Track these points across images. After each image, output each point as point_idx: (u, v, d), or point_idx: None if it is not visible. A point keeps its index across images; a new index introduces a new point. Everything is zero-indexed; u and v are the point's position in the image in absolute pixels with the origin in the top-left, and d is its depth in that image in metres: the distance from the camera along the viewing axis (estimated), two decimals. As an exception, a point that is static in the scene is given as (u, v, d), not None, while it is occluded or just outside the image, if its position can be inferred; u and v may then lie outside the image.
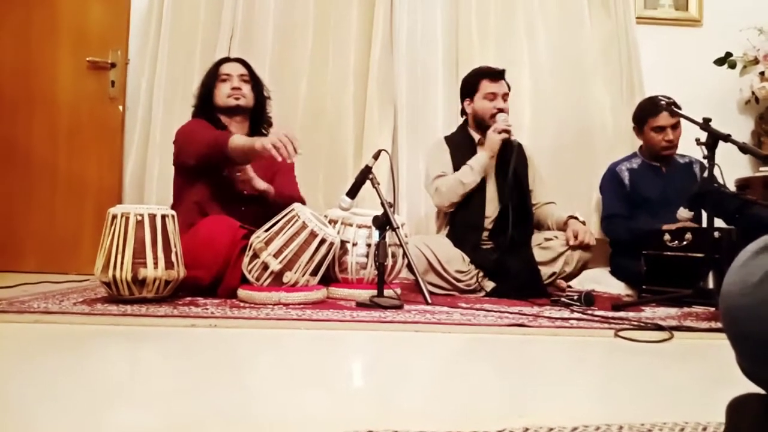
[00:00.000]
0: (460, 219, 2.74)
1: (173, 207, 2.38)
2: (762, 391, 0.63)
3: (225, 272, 2.17)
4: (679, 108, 2.56)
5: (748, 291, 0.59)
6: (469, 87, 2.85)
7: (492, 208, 2.73)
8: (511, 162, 2.66)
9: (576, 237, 2.59)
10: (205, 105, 2.56)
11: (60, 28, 3.31)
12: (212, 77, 2.58)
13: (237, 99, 2.53)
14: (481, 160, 2.67)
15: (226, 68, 2.59)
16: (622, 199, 3.01)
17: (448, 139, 2.87)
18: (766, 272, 0.58)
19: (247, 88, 2.56)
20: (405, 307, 2.05)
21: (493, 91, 2.76)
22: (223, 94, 2.53)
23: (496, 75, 2.79)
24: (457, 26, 3.52)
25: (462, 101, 2.89)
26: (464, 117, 2.91)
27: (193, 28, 3.41)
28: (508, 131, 2.65)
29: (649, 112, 2.93)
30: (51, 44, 3.31)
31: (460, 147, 2.78)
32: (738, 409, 0.68)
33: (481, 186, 2.71)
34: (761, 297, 0.58)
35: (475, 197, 2.71)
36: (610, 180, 3.08)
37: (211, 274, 2.15)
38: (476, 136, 2.82)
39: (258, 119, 2.63)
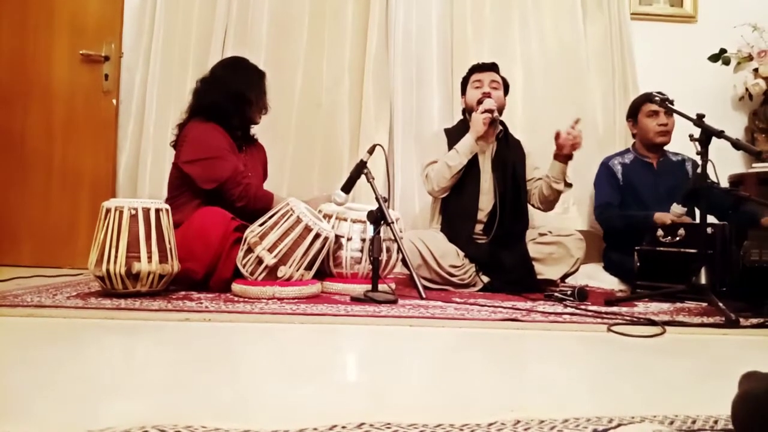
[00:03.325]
0: (453, 209, 2.76)
1: (168, 201, 2.38)
2: None
3: (217, 264, 2.17)
4: (673, 104, 2.57)
5: None
6: (463, 83, 2.95)
7: (486, 200, 2.73)
8: (496, 134, 2.74)
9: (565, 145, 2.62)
10: (242, 106, 2.50)
11: (55, 19, 3.29)
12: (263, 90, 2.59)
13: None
14: (466, 143, 2.68)
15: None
16: (615, 189, 3.04)
17: (447, 131, 2.90)
18: None
19: None
20: (399, 302, 2.06)
21: (479, 79, 2.84)
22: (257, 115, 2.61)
23: (483, 66, 2.87)
24: (452, 22, 3.52)
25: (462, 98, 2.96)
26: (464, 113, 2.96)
27: (188, 21, 3.39)
28: (490, 111, 2.66)
29: (643, 100, 3.00)
30: (46, 36, 3.28)
31: (458, 137, 2.78)
32: (753, 376, 0.68)
33: (475, 177, 2.72)
34: None
35: (468, 188, 2.71)
36: (604, 173, 3.11)
37: (204, 266, 2.15)
38: None
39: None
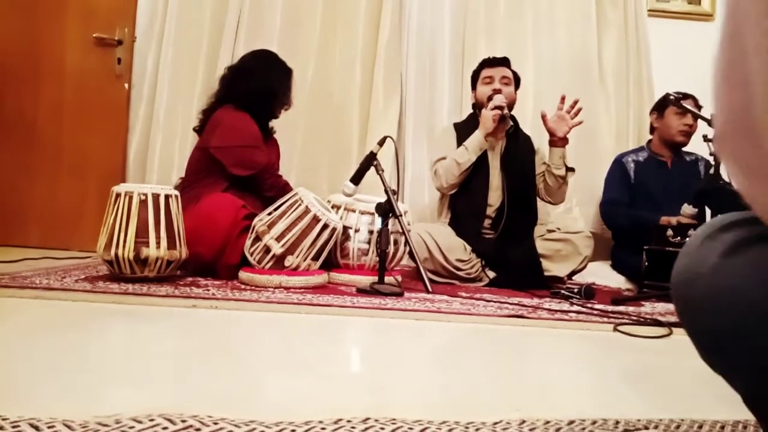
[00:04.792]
0: (461, 205, 2.75)
1: (186, 181, 2.42)
2: None
3: (225, 250, 2.18)
4: (700, 106, 2.57)
5: (704, 278, 0.54)
6: (473, 77, 2.92)
7: (495, 197, 2.72)
8: (509, 124, 2.72)
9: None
10: (270, 101, 2.54)
11: (67, 2, 3.29)
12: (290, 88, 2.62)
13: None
14: (475, 139, 2.66)
15: None
16: (625, 187, 3.02)
17: (456, 126, 2.88)
18: (726, 247, 0.53)
19: None
20: (405, 295, 2.06)
21: (489, 75, 2.80)
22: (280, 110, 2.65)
23: (494, 61, 2.84)
24: (465, 16, 3.49)
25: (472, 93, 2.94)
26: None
27: (201, 8, 3.39)
28: (500, 107, 2.64)
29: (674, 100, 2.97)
30: (58, 18, 3.27)
31: (467, 133, 2.77)
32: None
33: (484, 173, 2.70)
34: (722, 283, 0.52)
35: (477, 184, 2.70)
36: (616, 170, 3.09)
37: (212, 251, 2.17)
38: None
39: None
